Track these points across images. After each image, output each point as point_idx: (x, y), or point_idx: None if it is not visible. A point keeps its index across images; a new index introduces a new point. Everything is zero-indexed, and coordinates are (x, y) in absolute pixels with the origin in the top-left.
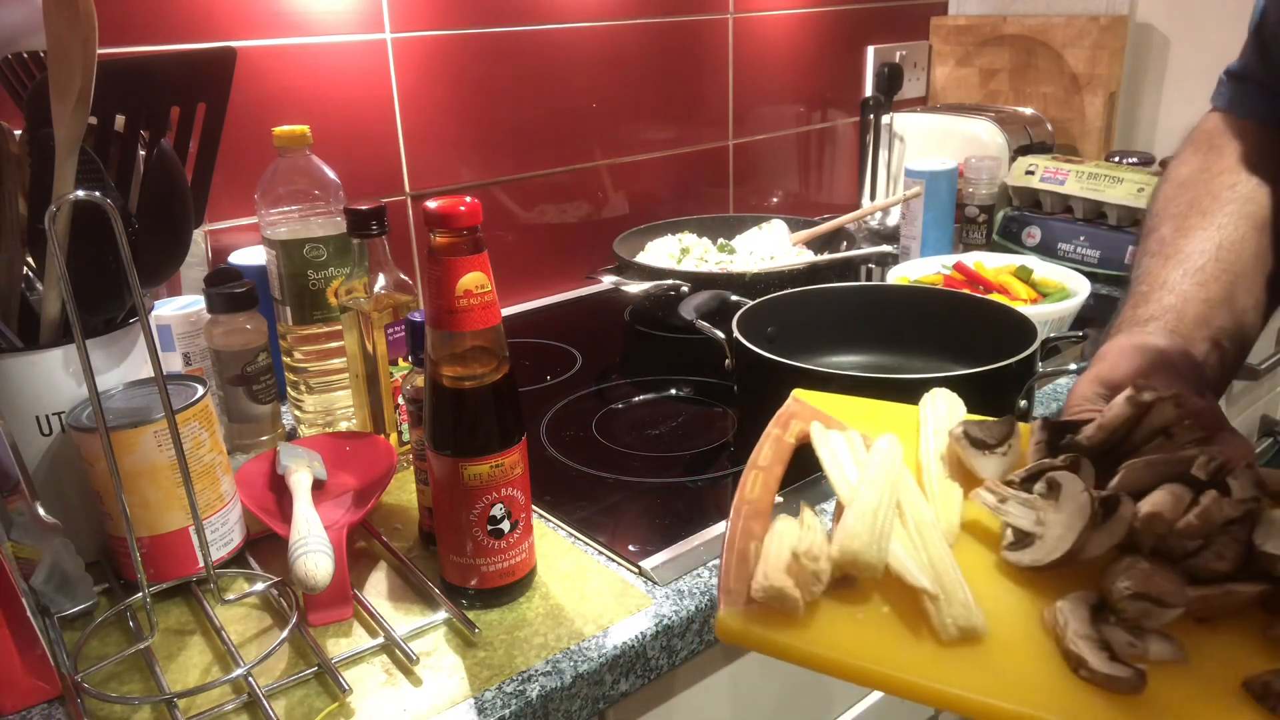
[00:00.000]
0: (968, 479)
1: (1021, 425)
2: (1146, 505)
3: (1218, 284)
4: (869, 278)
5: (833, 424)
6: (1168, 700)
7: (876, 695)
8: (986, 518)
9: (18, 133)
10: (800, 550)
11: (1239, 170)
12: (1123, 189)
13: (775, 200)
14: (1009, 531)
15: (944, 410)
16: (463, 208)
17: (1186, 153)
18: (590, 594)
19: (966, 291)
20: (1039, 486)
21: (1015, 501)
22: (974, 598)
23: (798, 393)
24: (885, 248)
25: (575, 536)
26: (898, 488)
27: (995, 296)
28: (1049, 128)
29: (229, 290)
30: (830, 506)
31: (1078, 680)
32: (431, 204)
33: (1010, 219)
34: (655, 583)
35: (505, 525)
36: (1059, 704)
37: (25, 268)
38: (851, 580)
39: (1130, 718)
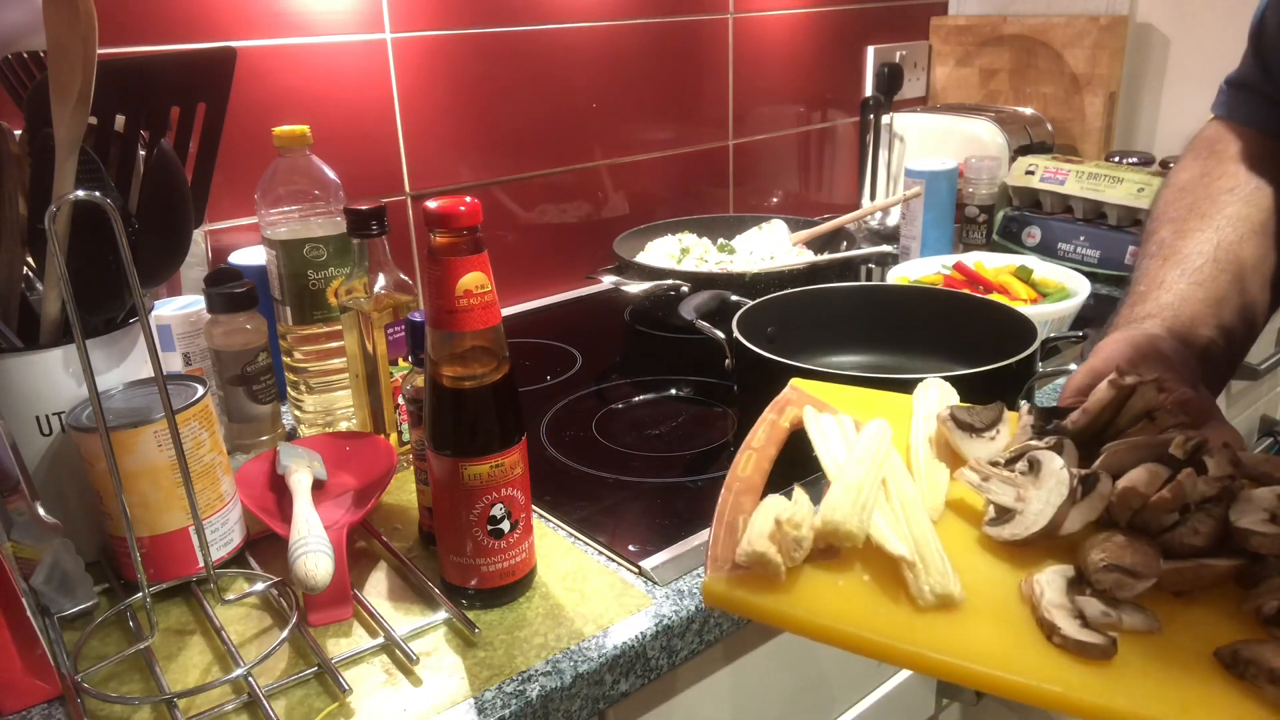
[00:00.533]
0: (955, 462)
1: (1009, 412)
2: (1122, 481)
3: (1215, 284)
4: (869, 278)
5: (826, 409)
6: (1138, 666)
7: (877, 695)
8: (972, 498)
9: (18, 133)
10: (783, 518)
11: (1238, 175)
12: (1123, 189)
13: (775, 200)
14: (990, 508)
15: (935, 397)
16: (463, 208)
17: (1187, 159)
18: (590, 594)
19: (966, 291)
20: (1020, 465)
21: (997, 479)
22: (952, 568)
23: (795, 381)
24: (885, 248)
25: (575, 536)
26: (884, 466)
27: (995, 296)
28: (1049, 128)
29: (229, 290)
30: None
31: (1050, 646)
32: (431, 204)
33: (1010, 219)
34: (655, 583)
35: (505, 525)
36: (1029, 667)
37: (25, 268)
38: (835, 551)
39: (1099, 681)
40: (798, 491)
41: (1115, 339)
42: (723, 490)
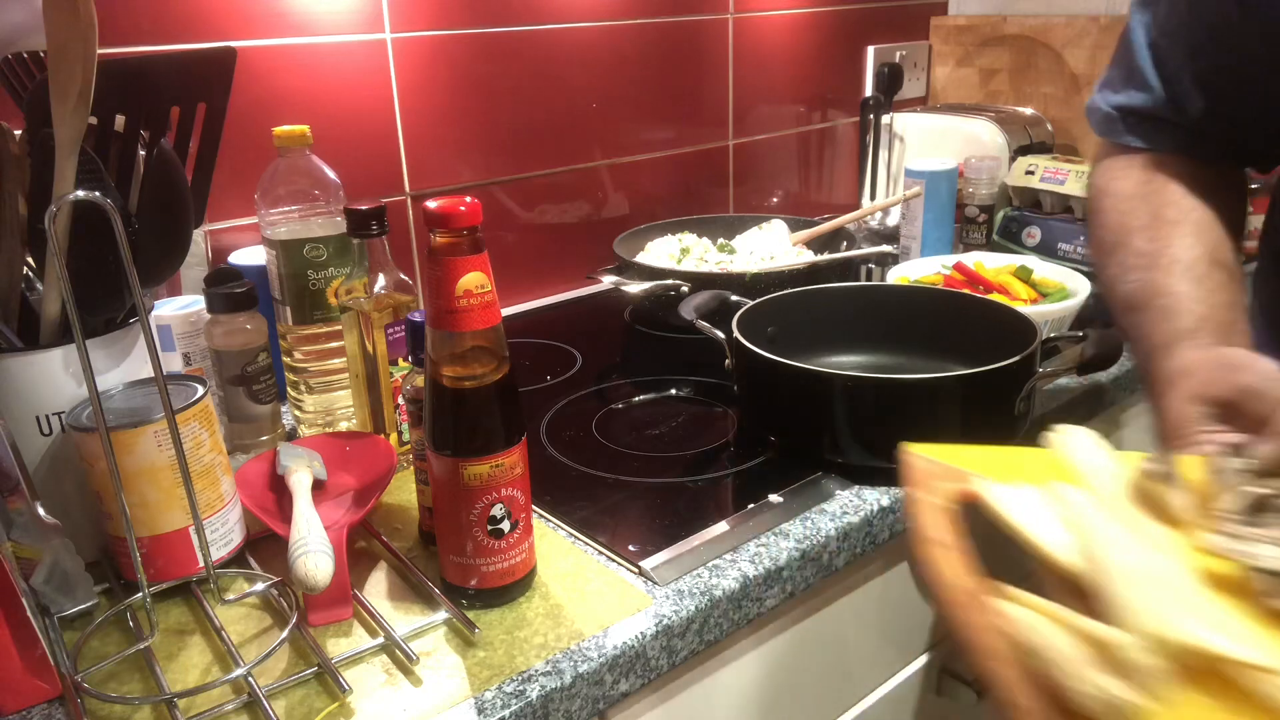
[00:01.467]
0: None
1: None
2: None
3: (1225, 291)
4: (869, 278)
5: (981, 479)
6: None
7: (877, 695)
8: (1211, 563)
9: (18, 133)
10: (1110, 641)
11: (1182, 186)
12: None
13: (775, 200)
14: (1256, 576)
15: (1090, 446)
16: (463, 208)
17: (1116, 170)
18: (590, 594)
19: (966, 291)
20: (1271, 518)
21: (1261, 541)
22: None
23: (911, 447)
24: (885, 248)
25: (575, 536)
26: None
27: (995, 296)
28: (1049, 128)
29: (229, 290)
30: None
31: None
32: (431, 204)
33: (1010, 219)
34: (655, 583)
35: (505, 525)
36: None
37: (25, 268)
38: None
39: None
40: (1021, 593)
41: (1201, 360)
42: (949, 608)
